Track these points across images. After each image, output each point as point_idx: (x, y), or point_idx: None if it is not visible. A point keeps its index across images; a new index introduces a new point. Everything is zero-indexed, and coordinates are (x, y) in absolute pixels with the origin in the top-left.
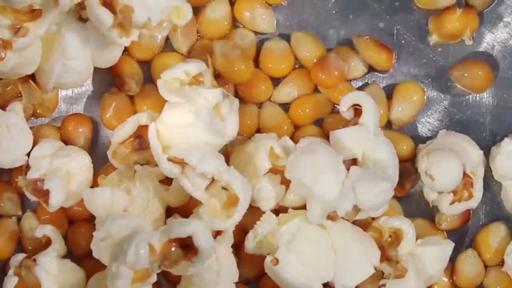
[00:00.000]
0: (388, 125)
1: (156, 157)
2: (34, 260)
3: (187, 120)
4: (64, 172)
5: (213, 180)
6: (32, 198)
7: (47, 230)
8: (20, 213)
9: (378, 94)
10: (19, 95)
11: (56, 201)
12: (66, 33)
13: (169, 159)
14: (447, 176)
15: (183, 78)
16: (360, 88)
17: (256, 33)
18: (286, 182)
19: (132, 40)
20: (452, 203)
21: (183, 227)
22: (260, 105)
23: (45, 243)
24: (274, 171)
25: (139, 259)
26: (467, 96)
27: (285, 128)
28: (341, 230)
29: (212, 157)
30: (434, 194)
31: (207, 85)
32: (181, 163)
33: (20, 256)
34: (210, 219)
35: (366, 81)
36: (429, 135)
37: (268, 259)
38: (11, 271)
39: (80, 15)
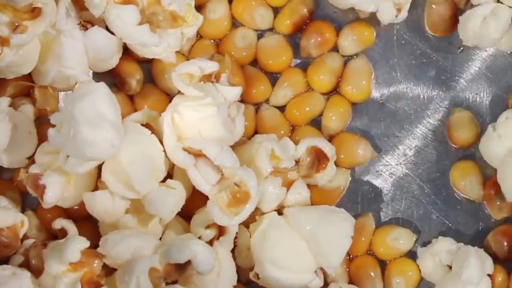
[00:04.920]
0: None
1: (170, 146)
2: (45, 244)
3: (206, 114)
4: (64, 171)
5: (222, 176)
6: (32, 192)
7: (66, 224)
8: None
9: (364, 68)
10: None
11: (51, 198)
12: (65, 42)
13: (184, 149)
14: None
15: (197, 74)
16: (346, 62)
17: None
18: (286, 184)
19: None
20: None
21: (181, 253)
22: (257, 105)
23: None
24: (275, 172)
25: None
26: (467, 96)
27: (282, 131)
28: (303, 218)
29: (230, 152)
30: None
31: (224, 84)
32: (197, 154)
33: (32, 241)
34: (220, 213)
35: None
36: (430, 135)
37: (251, 274)
38: (20, 250)
39: (81, 22)
